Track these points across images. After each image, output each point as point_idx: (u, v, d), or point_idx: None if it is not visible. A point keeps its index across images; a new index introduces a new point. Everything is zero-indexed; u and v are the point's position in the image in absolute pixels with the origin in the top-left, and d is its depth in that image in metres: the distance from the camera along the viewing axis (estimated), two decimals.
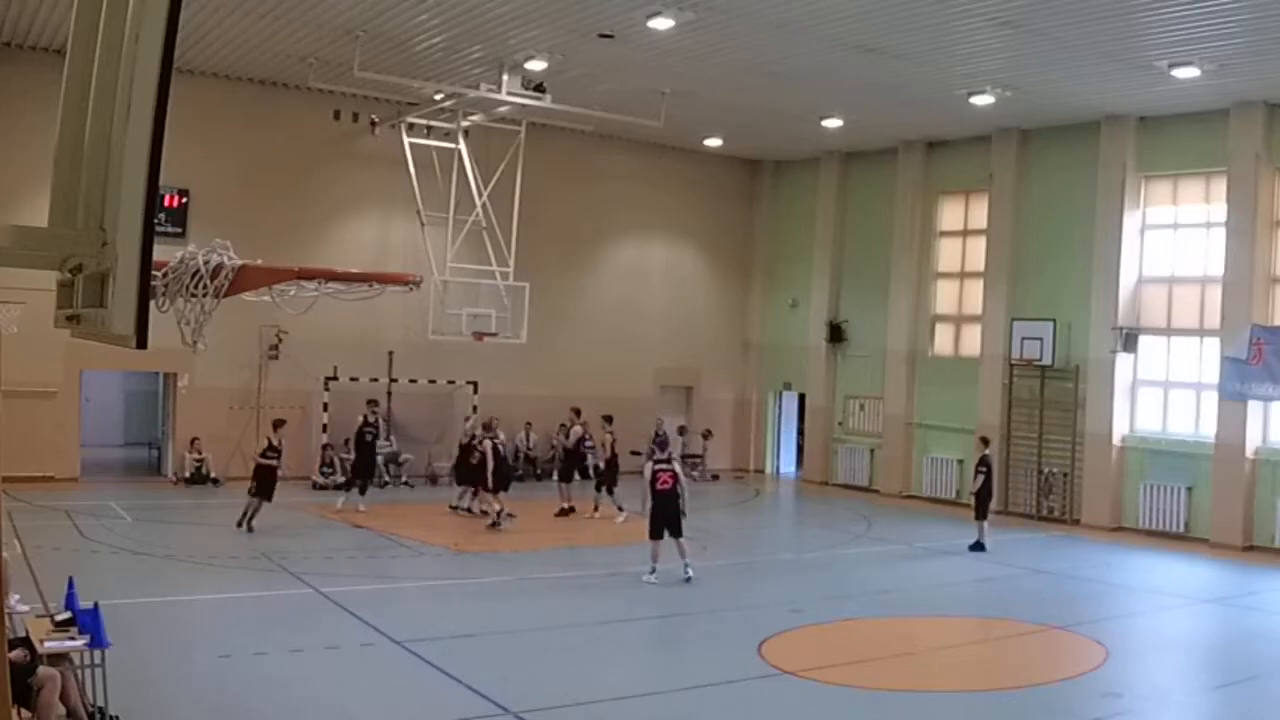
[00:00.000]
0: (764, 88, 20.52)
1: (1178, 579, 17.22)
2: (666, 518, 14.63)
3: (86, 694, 8.09)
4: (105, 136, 3.33)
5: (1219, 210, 20.33)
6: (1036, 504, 22.56)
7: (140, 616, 11.39)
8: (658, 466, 14.82)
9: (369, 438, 20.00)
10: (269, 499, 17.33)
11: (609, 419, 20.66)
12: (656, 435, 26.01)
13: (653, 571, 14.57)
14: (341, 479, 22.59)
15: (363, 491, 19.55)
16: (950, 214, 25.40)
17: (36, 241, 3.56)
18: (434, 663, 10.60)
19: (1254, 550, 19.11)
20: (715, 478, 27.21)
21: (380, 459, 23.30)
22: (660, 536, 14.64)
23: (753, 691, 10.26)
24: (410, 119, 22.60)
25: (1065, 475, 22.18)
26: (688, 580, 14.60)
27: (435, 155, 22.87)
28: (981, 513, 18.36)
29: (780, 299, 28.87)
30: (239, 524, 17.10)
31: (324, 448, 22.81)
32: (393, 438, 23.55)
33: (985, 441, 19.14)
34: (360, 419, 20.11)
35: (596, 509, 20.11)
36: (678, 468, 15.07)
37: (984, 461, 18.66)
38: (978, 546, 18.18)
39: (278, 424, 18.03)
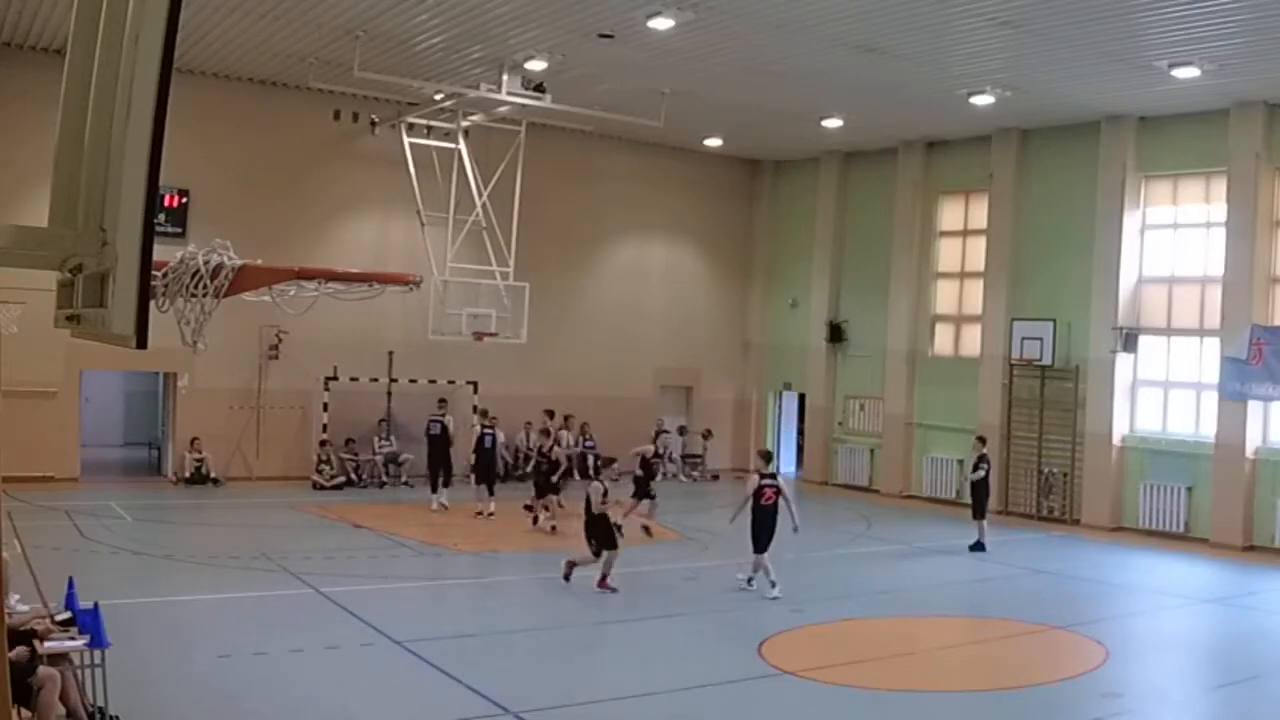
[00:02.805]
0: (764, 88, 20.52)
1: (1178, 579, 17.22)
2: (766, 532, 14.43)
3: (86, 694, 8.10)
4: (105, 136, 3.33)
5: (1219, 210, 20.33)
6: (1036, 504, 22.56)
7: (140, 616, 11.39)
8: (764, 482, 14.56)
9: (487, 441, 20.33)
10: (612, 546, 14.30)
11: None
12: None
13: (774, 585, 14.14)
14: (342, 479, 22.64)
15: (490, 491, 19.81)
16: (950, 214, 25.40)
17: (36, 241, 3.57)
18: (434, 663, 10.60)
19: (1254, 550, 19.11)
20: (715, 478, 27.22)
21: (380, 459, 23.42)
22: (764, 550, 14.38)
23: (753, 691, 10.26)
24: (410, 119, 22.58)
25: (1065, 475, 22.18)
26: (747, 584, 14.48)
27: (435, 155, 22.83)
28: (979, 512, 18.37)
29: (780, 299, 28.86)
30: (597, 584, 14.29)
31: (321, 444, 22.80)
32: (393, 438, 23.59)
33: (982, 441, 19.13)
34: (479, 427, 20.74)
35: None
36: (782, 483, 14.78)
37: (984, 459, 18.67)
38: (978, 546, 18.19)
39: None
